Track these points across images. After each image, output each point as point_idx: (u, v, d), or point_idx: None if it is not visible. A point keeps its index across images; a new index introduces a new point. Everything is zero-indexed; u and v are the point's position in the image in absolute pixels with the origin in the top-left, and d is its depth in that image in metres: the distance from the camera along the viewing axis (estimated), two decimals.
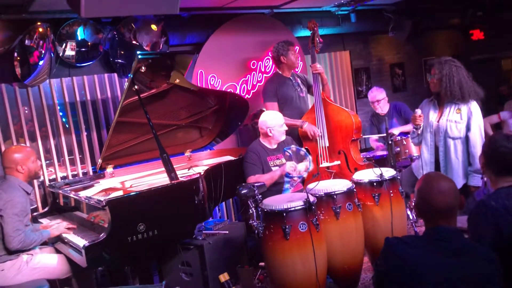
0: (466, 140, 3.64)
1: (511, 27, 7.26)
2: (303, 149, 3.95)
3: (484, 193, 4.56)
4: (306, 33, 4.72)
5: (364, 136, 5.40)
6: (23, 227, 3.26)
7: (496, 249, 1.89)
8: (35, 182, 4.27)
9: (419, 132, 3.88)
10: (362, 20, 6.18)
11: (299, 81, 4.75)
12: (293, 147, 3.91)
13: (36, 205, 4.28)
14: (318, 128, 4.33)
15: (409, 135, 4.59)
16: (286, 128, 4.00)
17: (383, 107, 5.28)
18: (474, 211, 2.22)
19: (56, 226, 3.50)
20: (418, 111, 3.81)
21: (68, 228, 3.47)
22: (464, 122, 3.63)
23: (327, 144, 4.33)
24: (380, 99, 5.26)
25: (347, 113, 4.37)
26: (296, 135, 4.47)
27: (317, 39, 4.54)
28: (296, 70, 5.21)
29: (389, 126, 5.15)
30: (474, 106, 3.64)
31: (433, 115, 3.79)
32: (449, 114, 3.68)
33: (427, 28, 7.28)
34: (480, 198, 2.33)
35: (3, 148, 4.10)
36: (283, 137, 3.98)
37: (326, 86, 4.57)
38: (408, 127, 4.64)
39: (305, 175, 3.85)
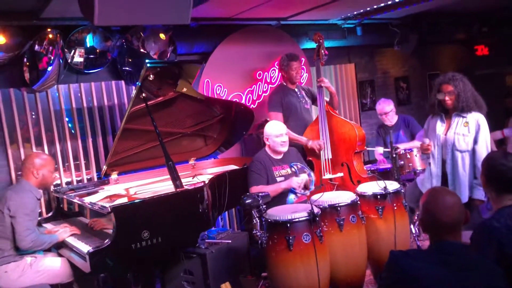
0: (473, 153, 3.65)
1: None
2: (307, 168, 3.94)
3: (488, 208, 4.57)
4: (312, 45, 4.76)
5: (367, 149, 5.41)
6: (34, 227, 3.33)
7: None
8: None
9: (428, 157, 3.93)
10: (367, 34, 6.23)
11: (304, 93, 4.79)
12: (299, 164, 3.88)
13: (40, 210, 4.30)
14: (321, 139, 4.35)
15: (413, 149, 4.60)
16: (284, 140, 3.93)
17: (391, 119, 5.31)
18: (476, 232, 2.22)
19: (63, 230, 3.54)
20: (426, 141, 3.82)
21: (75, 233, 3.52)
22: (472, 135, 3.65)
23: (330, 156, 4.35)
24: (388, 111, 5.28)
25: (350, 125, 4.39)
26: (300, 147, 4.49)
27: (322, 51, 4.58)
28: (301, 82, 5.25)
29: (395, 138, 5.17)
30: (482, 120, 3.66)
31: (440, 129, 3.81)
32: (456, 127, 3.70)
33: (432, 43, 7.33)
34: (483, 219, 2.33)
35: (8, 152, 4.14)
36: (282, 148, 3.94)
37: (334, 97, 4.62)
38: (413, 144, 4.66)
39: (307, 193, 3.84)
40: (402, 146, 4.70)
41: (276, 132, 3.93)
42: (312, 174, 3.88)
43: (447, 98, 3.71)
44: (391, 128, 5.28)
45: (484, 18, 7.16)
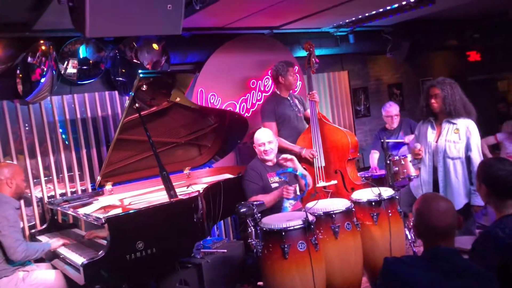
0: (466, 160, 3.66)
1: (507, 49, 7.38)
2: (295, 171, 3.89)
3: (483, 213, 4.58)
4: (305, 53, 4.78)
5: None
6: (21, 237, 3.31)
7: (502, 278, 1.89)
8: (34, 198, 4.27)
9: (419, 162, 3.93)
10: (360, 41, 6.27)
11: (297, 102, 4.80)
12: (286, 171, 3.85)
13: (34, 222, 4.28)
14: (314, 147, 4.36)
15: (407, 155, 4.62)
16: (266, 148, 3.90)
17: (396, 123, 5.36)
18: (481, 241, 2.21)
19: (57, 238, 3.56)
20: (418, 145, 3.84)
21: (67, 243, 3.51)
22: (463, 142, 3.66)
23: (324, 164, 4.36)
24: (396, 113, 5.33)
25: (343, 132, 4.40)
26: (294, 155, 4.48)
27: (313, 59, 4.60)
28: (295, 90, 5.27)
29: (395, 139, 5.21)
30: (472, 126, 3.67)
31: (431, 136, 3.82)
32: (447, 134, 3.71)
33: (424, 49, 7.38)
34: (487, 228, 2.32)
35: None
36: (265, 157, 3.91)
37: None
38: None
39: (302, 195, 3.81)
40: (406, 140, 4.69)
41: (258, 141, 3.95)
42: (305, 174, 3.85)
43: (433, 100, 3.73)
44: (391, 132, 5.32)
45: (475, 25, 7.24)
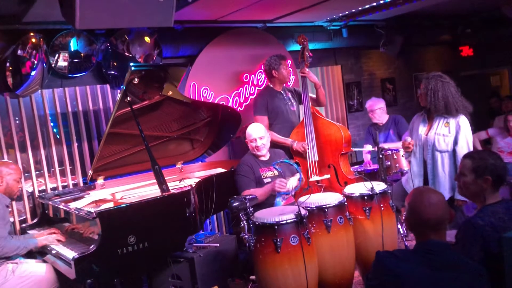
0: (453, 154, 3.68)
1: (500, 44, 7.41)
2: (292, 162, 3.92)
3: (474, 207, 4.60)
4: (298, 47, 4.77)
5: (354, 150, 5.42)
6: (5, 233, 3.30)
7: (485, 267, 1.90)
8: (25, 192, 4.24)
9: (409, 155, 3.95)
10: (353, 35, 6.27)
11: (290, 95, 4.79)
12: (283, 161, 3.86)
13: (25, 216, 4.25)
14: (307, 142, 4.35)
15: (399, 150, 4.63)
16: (258, 144, 3.91)
17: (380, 117, 5.34)
18: (462, 231, 2.23)
19: (45, 237, 3.49)
20: (408, 139, 3.85)
21: (58, 240, 3.46)
22: (452, 136, 3.67)
23: (317, 158, 4.35)
24: (374, 109, 5.32)
25: (336, 127, 4.40)
26: (287, 149, 4.48)
27: (306, 53, 4.59)
28: (288, 84, 5.25)
29: (385, 137, 5.22)
30: (463, 120, 3.68)
31: (422, 129, 3.84)
32: (437, 128, 3.73)
33: (417, 44, 7.40)
34: (468, 217, 2.34)
35: None
36: (257, 152, 3.92)
37: (319, 90, 4.63)
38: (397, 144, 4.70)
39: (293, 192, 3.81)
40: (387, 146, 4.73)
41: (249, 136, 3.95)
42: (299, 169, 3.85)
43: (418, 94, 3.80)
44: (381, 127, 5.32)
45: (468, 20, 7.26)
